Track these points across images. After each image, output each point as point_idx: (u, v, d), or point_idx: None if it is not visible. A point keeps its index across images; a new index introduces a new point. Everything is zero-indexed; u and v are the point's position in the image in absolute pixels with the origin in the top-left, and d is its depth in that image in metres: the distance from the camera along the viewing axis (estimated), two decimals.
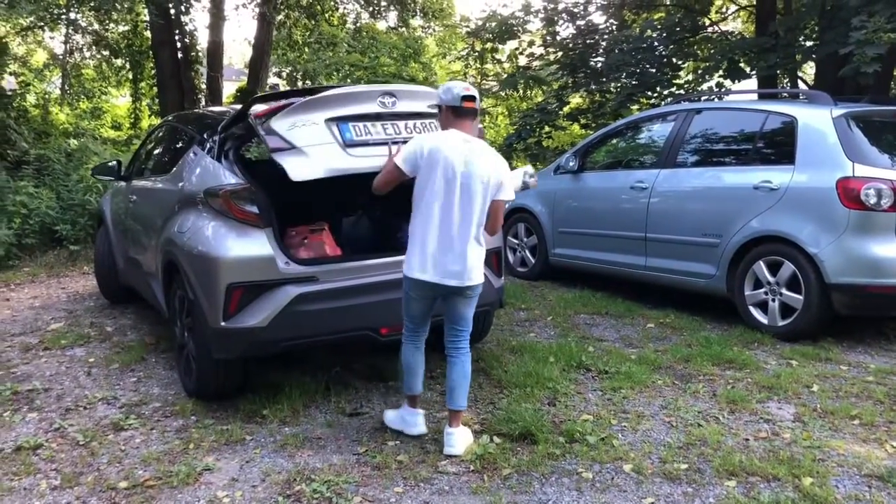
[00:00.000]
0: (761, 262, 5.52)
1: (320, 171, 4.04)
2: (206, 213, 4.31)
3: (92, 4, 13.39)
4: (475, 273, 3.64)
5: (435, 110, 3.87)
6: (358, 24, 19.18)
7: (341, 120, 4.16)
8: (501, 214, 3.78)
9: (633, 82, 10.31)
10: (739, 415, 4.11)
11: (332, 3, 18.36)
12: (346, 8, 19.19)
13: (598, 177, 7.11)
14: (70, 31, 17.37)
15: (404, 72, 13.61)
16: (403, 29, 18.27)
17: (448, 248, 3.56)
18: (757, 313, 5.61)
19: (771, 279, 5.47)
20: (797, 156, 5.46)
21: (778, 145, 5.77)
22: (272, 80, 18.64)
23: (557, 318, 6.18)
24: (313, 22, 18.10)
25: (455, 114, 3.61)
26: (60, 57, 20.09)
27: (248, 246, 4.09)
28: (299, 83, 17.91)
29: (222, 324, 4.02)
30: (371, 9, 18.63)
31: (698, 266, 5.95)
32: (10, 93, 12.84)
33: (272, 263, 4.06)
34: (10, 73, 13.92)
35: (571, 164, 7.24)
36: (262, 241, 4.10)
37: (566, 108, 10.84)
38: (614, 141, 7.32)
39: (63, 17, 14.36)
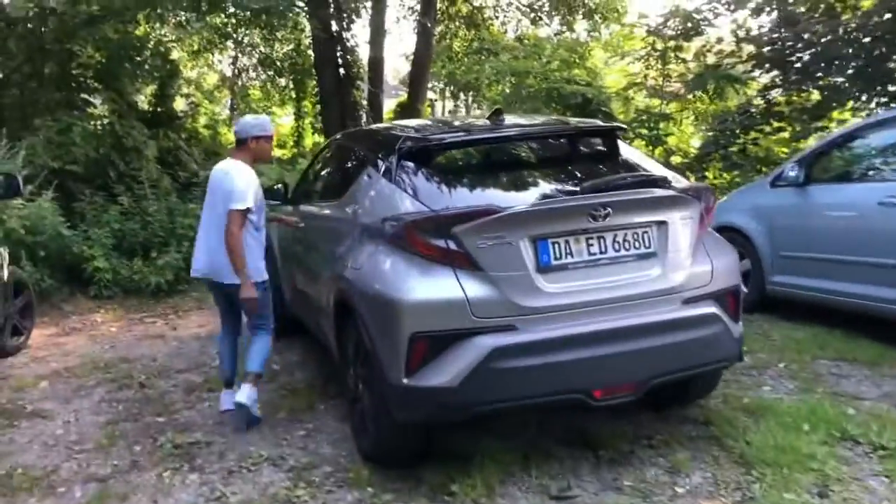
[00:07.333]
0: None
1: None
2: (383, 247, 3.64)
3: (258, 24, 13.44)
4: None
5: None
6: (518, 32, 18.53)
7: (541, 237, 3.39)
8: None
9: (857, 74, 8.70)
10: None
11: (494, 10, 17.83)
12: (507, 16, 18.61)
13: (831, 190, 5.87)
14: (237, 52, 17.79)
15: (572, 78, 12.64)
16: (567, 33, 17.34)
17: None
18: None
19: None
20: None
21: None
22: (429, 94, 18.35)
23: (791, 364, 5.06)
24: (474, 31, 17.60)
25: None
26: (229, 78, 20.73)
27: (435, 287, 3.35)
28: (461, 95, 17.41)
29: (405, 381, 3.32)
30: (532, 15, 17.90)
31: None
32: (181, 115, 13.05)
33: (463, 308, 3.31)
34: (182, 96, 14.20)
35: (795, 174, 6.06)
36: (451, 281, 3.36)
37: (775, 110, 9.48)
38: (852, 147, 6.06)
39: (231, 38, 14.56)
